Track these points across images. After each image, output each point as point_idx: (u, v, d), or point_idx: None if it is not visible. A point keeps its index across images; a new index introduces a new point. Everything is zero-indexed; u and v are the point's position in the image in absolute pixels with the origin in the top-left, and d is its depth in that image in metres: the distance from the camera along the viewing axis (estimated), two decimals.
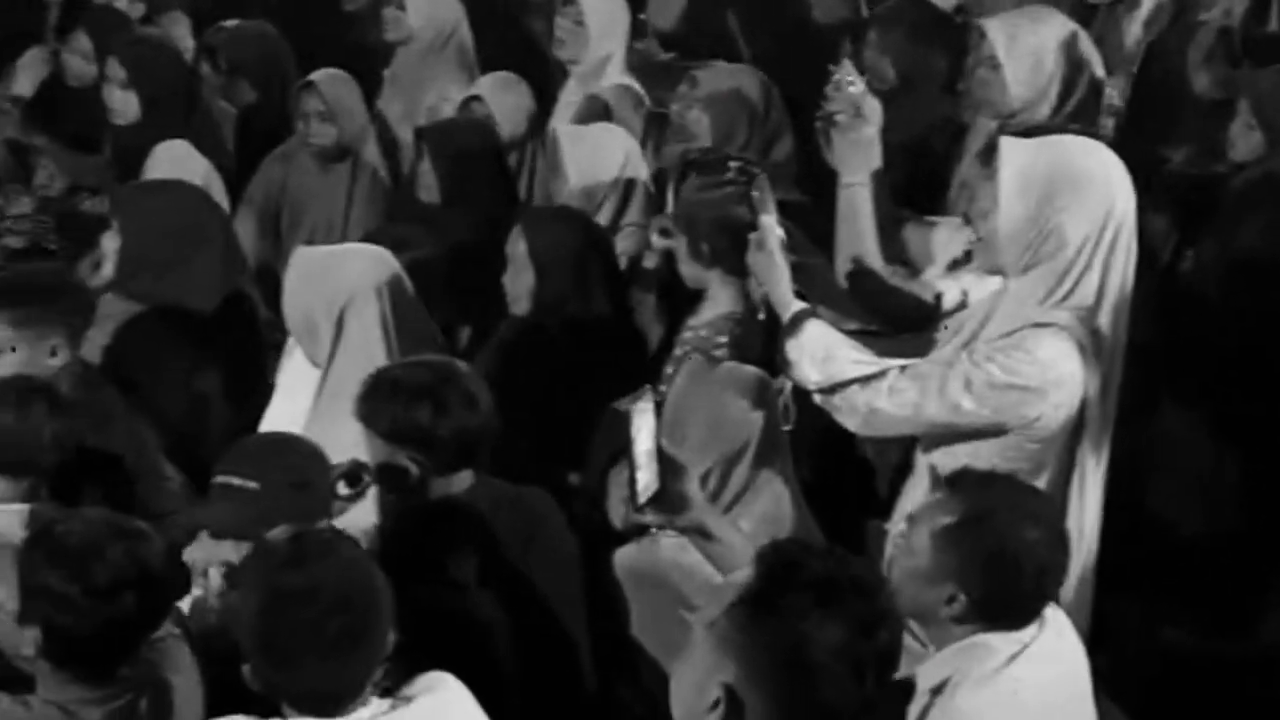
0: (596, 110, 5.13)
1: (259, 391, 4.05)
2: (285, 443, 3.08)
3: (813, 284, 3.21)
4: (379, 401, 3.10)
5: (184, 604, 2.86)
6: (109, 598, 2.52)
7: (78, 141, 5.31)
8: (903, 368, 3.02)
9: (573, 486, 3.67)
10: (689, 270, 3.51)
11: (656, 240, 4.12)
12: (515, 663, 3.04)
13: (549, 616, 3.15)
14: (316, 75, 4.99)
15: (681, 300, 3.92)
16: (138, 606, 2.55)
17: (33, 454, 3.09)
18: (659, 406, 2.59)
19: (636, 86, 5.28)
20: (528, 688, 3.03)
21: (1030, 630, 2.45)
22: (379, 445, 3.11)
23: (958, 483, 2.52)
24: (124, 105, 4.94)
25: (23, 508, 3.02)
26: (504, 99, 5.01)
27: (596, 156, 4.54)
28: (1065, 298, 2.99)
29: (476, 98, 5.02)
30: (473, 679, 2.47)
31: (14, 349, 3.41)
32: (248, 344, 4.20)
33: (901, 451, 3.37)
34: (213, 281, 4.09)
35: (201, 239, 4.11)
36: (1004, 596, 2.43)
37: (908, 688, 2.34)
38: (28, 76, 5.64)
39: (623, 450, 2.61)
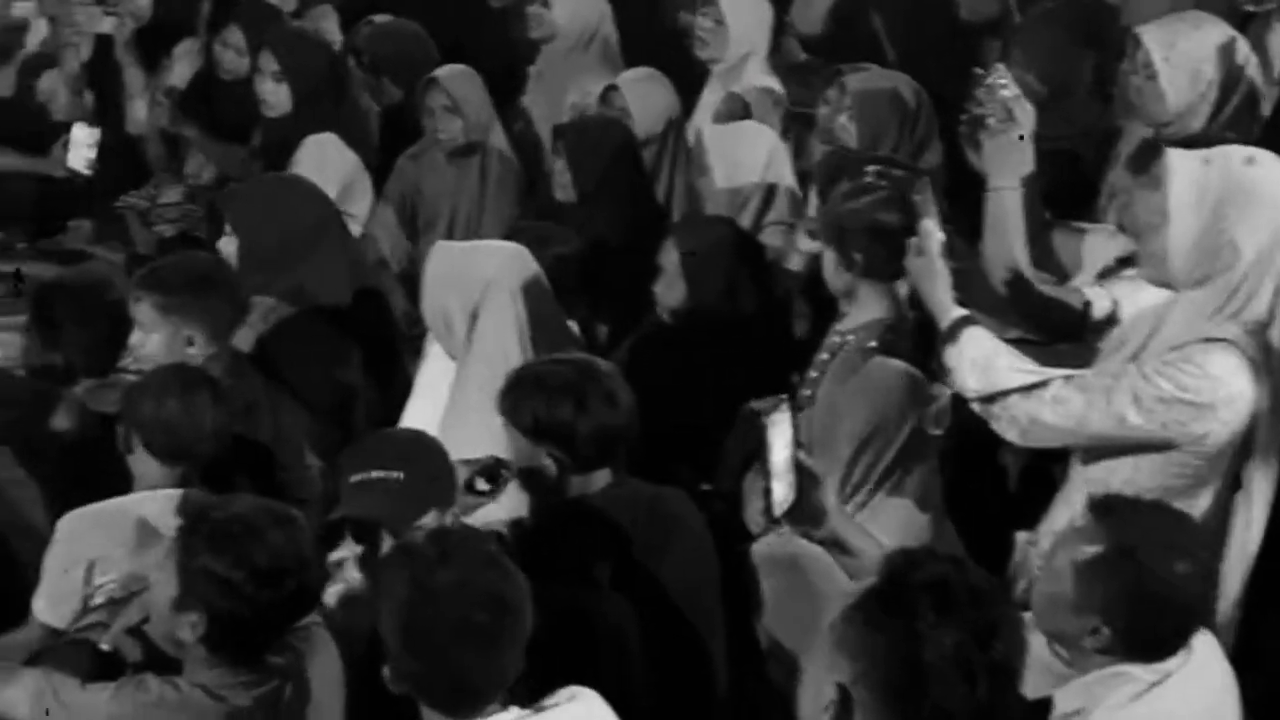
0: (736, 109, 5.12)
1: (396, 385, 4.11)
2: (415, 436, 3.13)
3: (971, 290, 3.16)
4: (521, 397, 3.12)
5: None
6: (270, 583, 2.55)
7: (227, 133, 5.42)
8: (1067, 378, 2.96)
9: (708, 489, 3.66)
10: (838, 280, 3.47)
11: (804, 243, 4.10)
12: (646, 665, 3.03)
13: (682, 619, 3.14)
14: (440, 71, 5.03)
15: (825, 300, 3.89)
16: (294, 592, 2.58)
17: (192, 442, 3.14)
18: (796, 413, 2.57)
19: (777, 86, 5.25)
20: (659, 690, 3.03)
21: (1175, 659, 2.41)
22: (520, 441, 3.12)
23: (1105, 510, 2.47)
24: (275, 98, 5.01)
25: (175, 493, 3.05)
26: (643, 93, 5.01)
27: (741, 156, 4.52)
28: (1237, 312, 2.93)
29: (615, 88, 5.02)
30: (603, 681, 2.47)
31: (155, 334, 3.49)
32: (383, 337, 4.24)
33: (1035, 459, 3.32)
34: (339, 275, 4.13)
35: (319, 233, 4.14)
36: (1149, 631, 2.40)
37: (1044, 708, 2.30)
38: (181, 68, 5.75)
39: (756, 454, 2.60)
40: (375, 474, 2.92)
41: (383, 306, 4.50)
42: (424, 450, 3.03)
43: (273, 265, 3.94)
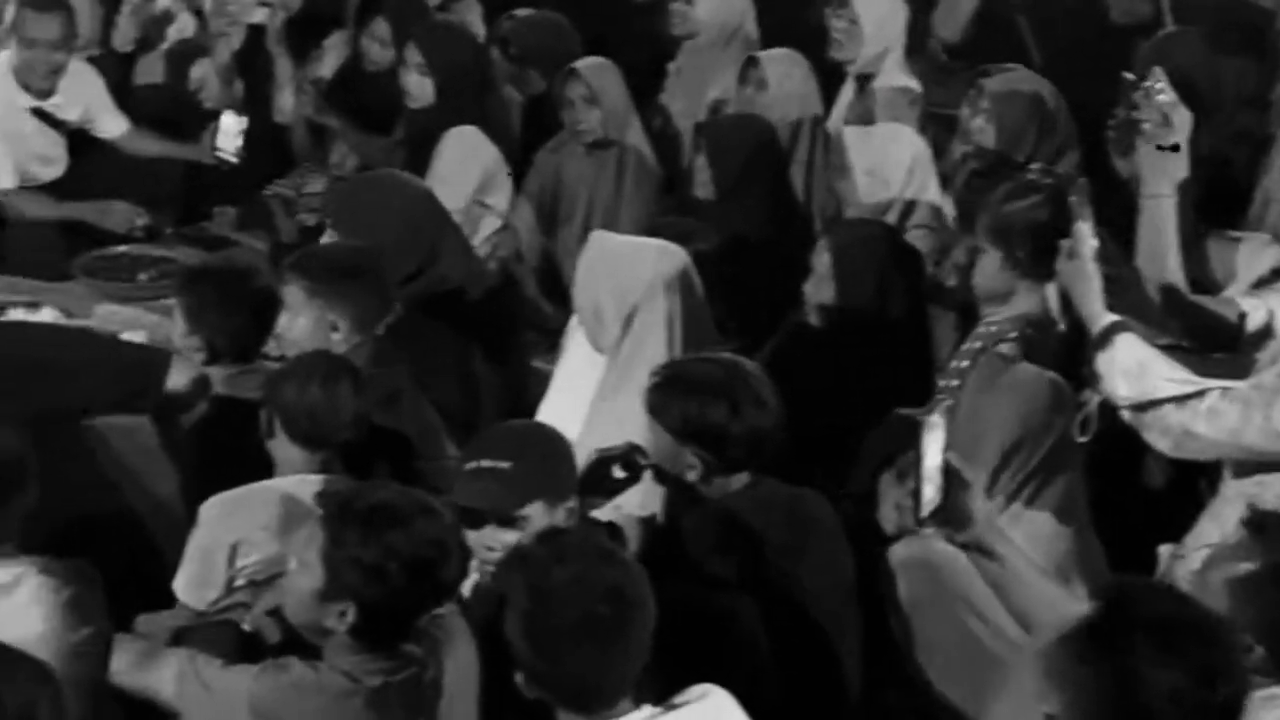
0: (871, 110, 5.08)
1: (520, 375, 4.12)
2: (531, 428, 3.12)
3: (1124, 296, 3.10)
4: (671, 396, 3.11)
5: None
6: (417, 571, 2.56)
7: (371, 123, 5.47)
8: (1223, 390, 2.90)
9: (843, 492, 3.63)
10: (997, 280, 3.42)
11: (959, 255, 4.05)
12: (777, 669, 3.01)
13: (816, 621, 3.12)
14: (579, 62, 5.04)
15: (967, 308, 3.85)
16: (438, 580, 2.60)
17: (333, 429, 3.15)
18: (949, 416, 2.54)
19: (915, 86, 5.20)
20: (791, 692, 3.00)
21: None
22: (664, 439, 3.11)
23: (1259, 527, 2.40)
24: (419, 90, 5.04)
25: (317, 478, 3.08)
26: (783, 70, 4.99)
27: (885, 158, 4.48)
28: None
29: (755, 62, 4.99)
30: (733, 681, 2.45)
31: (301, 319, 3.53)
32: (510, 330, 4.26)
33: (1181, 471, 3.25)
34: (459, 268, 4.13)
35: (437, 228, 4.13)
36: None
37: None
38: (329, 60, 5.83)
39: (892, 457, 2.57)
40: (484, 463, 2.92)
41: (512, 299, 4.52)
42: (536, 441, 3.02)
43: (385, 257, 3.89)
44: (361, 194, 4.21)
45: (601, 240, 3.78)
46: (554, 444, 3.03)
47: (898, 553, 3.12)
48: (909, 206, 4.47)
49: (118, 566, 2.99)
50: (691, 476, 3.11)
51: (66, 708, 2.21)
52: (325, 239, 4.08)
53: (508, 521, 2.89)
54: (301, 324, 3.54)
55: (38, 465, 2.80)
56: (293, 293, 3.54)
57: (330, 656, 2.65)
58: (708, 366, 3.16)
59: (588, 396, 3.55)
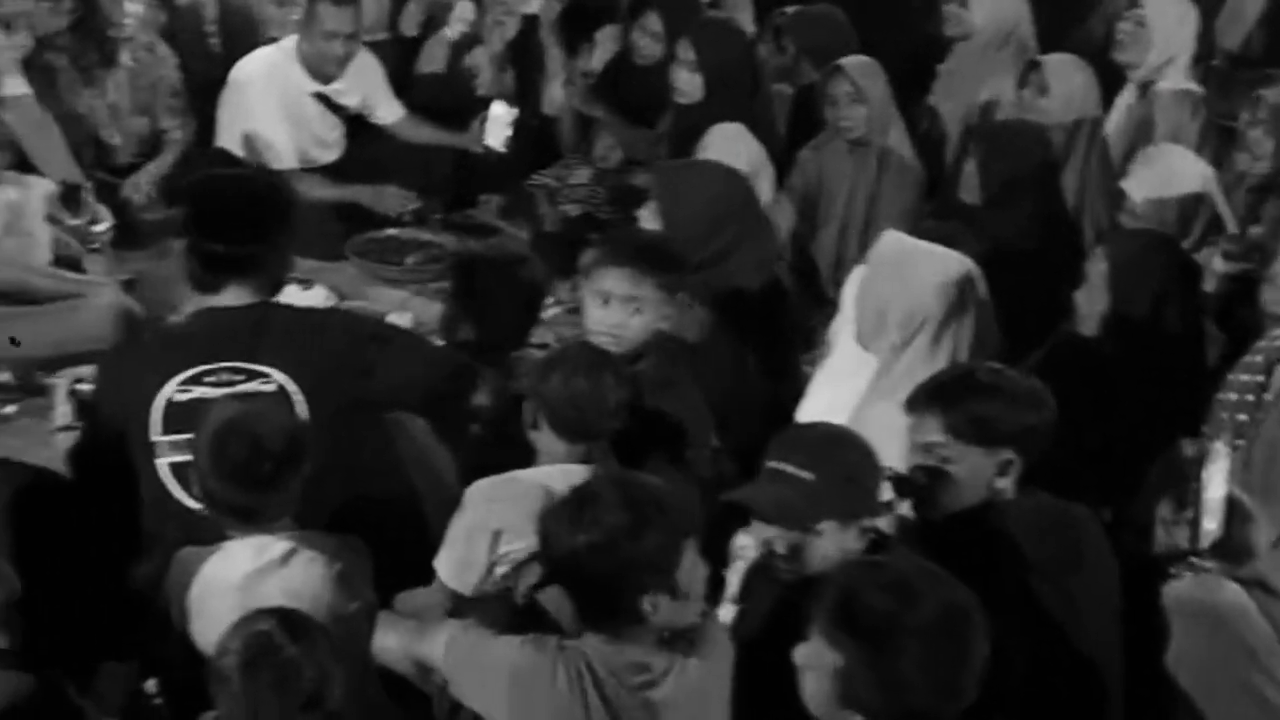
0: (1150, 116, 4.92)
1: (788, 373, 4.09)
2: (842, 437, 3.00)
3: None
4: (962, 400, 3.03)
5: None
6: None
7: (637, 117, 5.51)
8: None
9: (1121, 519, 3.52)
10: None
11: (1219, 264, 3.91)
12: (1029, 689, 2.92)
13: (1080, 643, 3.02)
14: (845, 59, 4.99)
15: (1238, 326, 3.71)
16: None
17: (596, 420, 3.15)
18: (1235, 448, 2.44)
19: (1197, 90, 5.03)
20: (1050, 713, 2.92)
21: None
22: (945, 440, 3.03)
23: None
24: (689, 86, 5.05)
25: (580, 468, 3.09)
26: (1066, 74, 4.87)
27: (1169, 174, 4.34)
28: None
29: (1037, 65, 4.89)
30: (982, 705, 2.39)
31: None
32: (782, 325, 4.23)
33: None
34: (757, 262, 4.11)
35: (742, 219, 4.13)
36: None
37: None
38: (600, 52, 5.89)
39: (1175, 485, 2.48)
40: (787, 467, 2.86)
41: (782, 295, 4.50)
42: (846, 455, 2.92)
43: (692, 243, 3.92)
44: (687, 176, 4.21)
45: (896, 241, 3.69)
46: (863, 461, 2.92)
47: (1177, 591, 2.98)
48: (1193, 210, 4.32)
49: (390, 545, 3.08)
50: (1001, 484, 3.02)
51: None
52: (645, 213, 4.06)
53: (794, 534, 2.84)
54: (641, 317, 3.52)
55: (325, 444, 2.90)
56: (614, 280, 3.52)
57: (584, 640, 2.65)
58: (989, 373, 3.09)
59: (849, 399, 3.49)
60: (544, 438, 3.20)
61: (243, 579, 2.82)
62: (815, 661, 2.32)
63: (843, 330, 3.68)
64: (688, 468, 3.27)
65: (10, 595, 2.63)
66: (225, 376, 3.22)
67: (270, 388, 3.22)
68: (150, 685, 3.03)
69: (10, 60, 4.88)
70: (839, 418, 3.35)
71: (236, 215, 3.32)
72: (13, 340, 4.07)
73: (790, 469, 2.85)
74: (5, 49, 4.72)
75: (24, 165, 4.78)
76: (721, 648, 2.74)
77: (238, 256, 3.29)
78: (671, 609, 2.60)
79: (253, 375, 3.23)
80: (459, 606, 2.99)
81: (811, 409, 3.64)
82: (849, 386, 3.51)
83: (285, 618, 2.53)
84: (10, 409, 4.06)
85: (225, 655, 2.50)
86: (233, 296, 3.31)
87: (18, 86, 4.94)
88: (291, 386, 3.22)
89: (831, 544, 2.84)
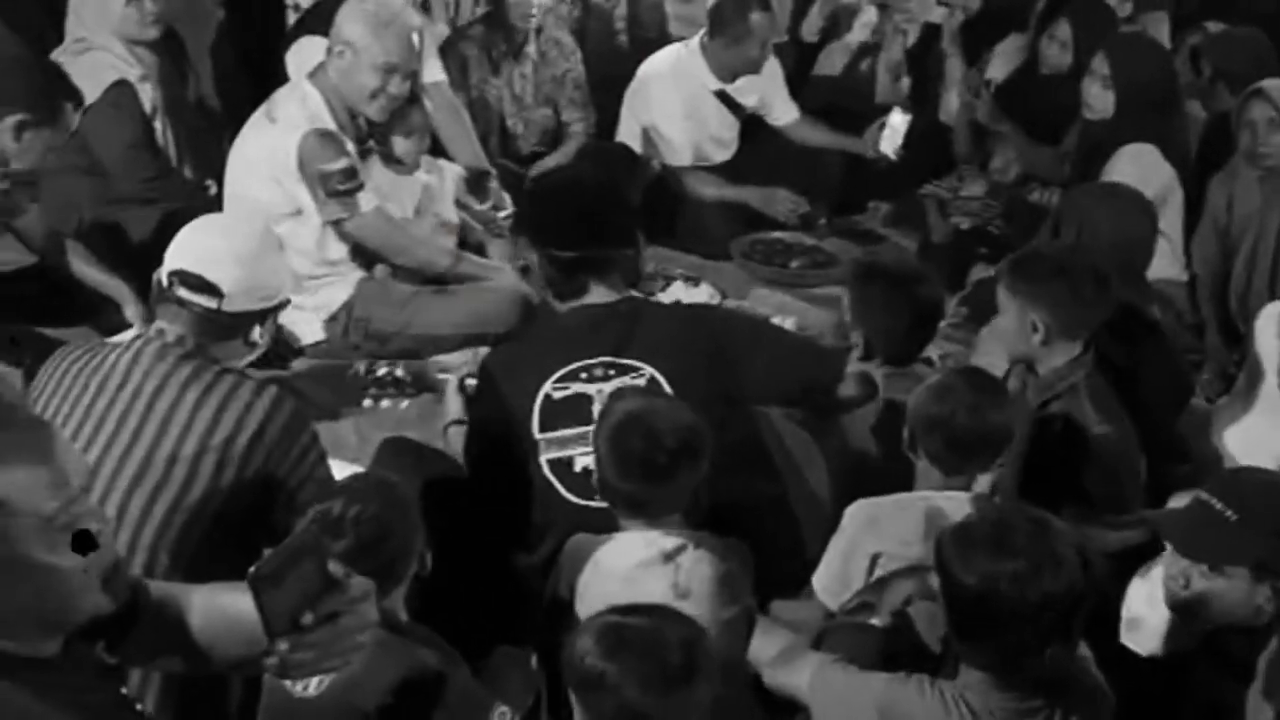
0: None
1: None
2: (1273, 483, 2.84)
3: None
4: None
5: None
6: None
7: (1040, 131, 5.36)
8: None
9: None
10: None
11: None
12: None
13: None
14: (1267, 82, 4.70)
15: None
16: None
17: (971, 455, 3.06)
18: None
19: None
20: None
21: None
22: None
23: None
24: (1100, 101, 4.86)
25: (964, 495, 3.03)
26: None
27: None
28: None
29: None
30: None
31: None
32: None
33: None
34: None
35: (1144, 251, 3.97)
36: None
37: None
38: (1001, 63, 5.75)
39: None
40: (1216, 503, 2.73)
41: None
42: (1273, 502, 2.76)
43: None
44: (1098, 203, 4.05)
45: None
46: None
47: None
48: None
49: (765, 548, 3.08)
50: None
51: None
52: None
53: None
54: (1003, 322, 3.50)
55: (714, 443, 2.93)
56: (1001, 290, 3.49)
57: (962, 681, 2.59)
58: None
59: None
60: (921, 464, 3.14)
61: (629, 570, 2.85)
62: None
63: (1268, 365, 3.54)
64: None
65: (422, 571, 2.75)
66: (599, 372, 3.28)
67: (641, 381, 3.26)
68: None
69: (431, 48, 5.09)
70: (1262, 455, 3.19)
71: (579, 221, 3.37)
72: (12, 340, 3.95)
73: (1218, 505, 2.73)
74: (428, 37, 4.92)
75: (435, 150, 4.97)
76: (1104, 702, 2.62)
77: (592, 259, 3.35)
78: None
79: (625, 370, 3.28)
80: (829, 626, 2.96)
81: (1237, 444, 3.51)
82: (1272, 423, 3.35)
83: (663, 616, 2.53)
84: (405, 403, 4.22)
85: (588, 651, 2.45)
86: (597, 295, 3.37)
87: (436, 73, 5.15)
88: (661, 380, 3.26)
89: (1238, 594, 2.71)
